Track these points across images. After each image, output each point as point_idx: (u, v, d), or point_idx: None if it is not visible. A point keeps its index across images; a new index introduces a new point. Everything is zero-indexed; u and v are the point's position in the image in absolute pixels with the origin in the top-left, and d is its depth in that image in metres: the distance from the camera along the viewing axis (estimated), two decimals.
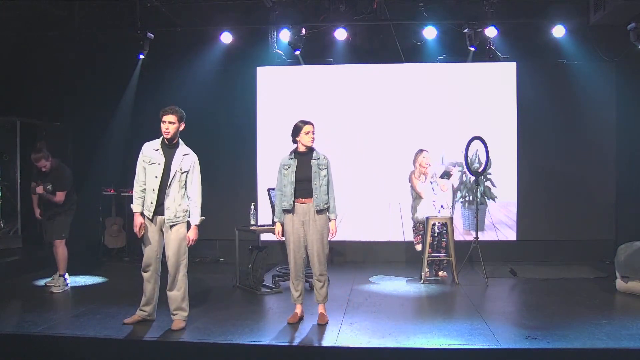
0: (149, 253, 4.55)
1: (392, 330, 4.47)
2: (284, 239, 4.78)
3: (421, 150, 6.59)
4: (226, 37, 7.44)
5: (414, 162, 6.57)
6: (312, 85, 8.04)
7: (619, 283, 5.71)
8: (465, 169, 7.41)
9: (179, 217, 4.52)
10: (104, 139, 8.00)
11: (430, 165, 6.54)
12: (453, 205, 7.00)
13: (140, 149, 4.60)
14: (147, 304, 4.62)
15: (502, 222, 7.88)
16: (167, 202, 4.49)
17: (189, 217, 4.57)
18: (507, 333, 4.39)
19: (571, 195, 7.76)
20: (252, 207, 6.32)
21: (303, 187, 4.63)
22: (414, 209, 6.62)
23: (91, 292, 5.97)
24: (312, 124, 4.69)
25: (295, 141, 4.73)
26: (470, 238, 7.12)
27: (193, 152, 4.63)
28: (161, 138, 4.55)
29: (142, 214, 4.53)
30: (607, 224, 7.72)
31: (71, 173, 6.08)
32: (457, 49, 7.54)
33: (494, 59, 7.36)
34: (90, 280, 6.52)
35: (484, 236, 7.49)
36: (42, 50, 7.68)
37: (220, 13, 7.40)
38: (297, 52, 7.41)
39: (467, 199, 7.88)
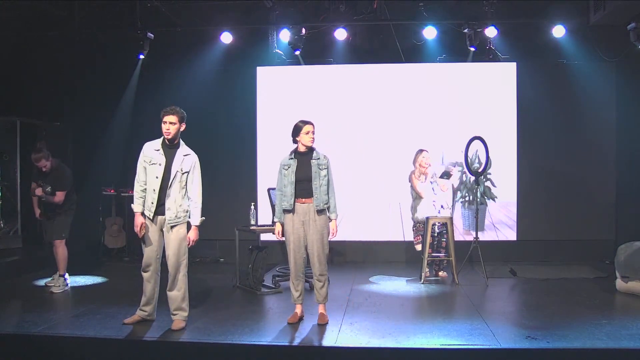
0: (149, 253, 4.55)
1: (392, 330, 4.47)
2: (284, 239, 4.78)
3: (421, 150, 6.59)
4: (226, 37, 7.44)
5: (414, 162, 6.57)
6: (312, 85, 8.04)
7: (619, 283, 5.71)
8: (465, 169, 7.41)
9: (179, 218, 4.53)
10: (104, 139, 8.00)
11: (430, 165, 6.54)
12: (453, 205, 7.00)
13: (140, 149, 4.60)
14: (147, 304, 4.62)
15: (502, 222, 7.88)
16: (168, 203, 4.49)
17: (189, 217, 4.57)
18: (507, 333, 4.39)
19: (571, 195, 7.76)
20: (252, 207, 6.32)
21: (303, 187, 4.63)
22: (414, 209, 6.62)
23: (91, 292, 5.97)
24: (312, 124, 4.69)
25: (295, 141, 4.73)
26: (470, 238, 7.12)
27: (194, 153, 4.63)
28: (162, 138, 4.55)
29: (142, 213, 4.54)
30: (607, 224, 7.72)
31: (71, 173, 6.08)
32: (457, 49, 7.54)
33: (494, 59, 7.36)
34: (90, 280, 6.52)
35: (484, 236, 7.49)
36: (42, 50, 7.68)
37: (220, 13, 7.40)
38: (297, 52, 7.41)
39: (467, 199, 7.88)
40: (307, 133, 4.66)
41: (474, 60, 7.54)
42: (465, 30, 7.09)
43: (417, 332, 4.41)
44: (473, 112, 7.82)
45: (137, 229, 4.52)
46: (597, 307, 5.16)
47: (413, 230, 6.74)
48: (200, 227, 4.60)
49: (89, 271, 6.87)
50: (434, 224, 6.45)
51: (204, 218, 4.62)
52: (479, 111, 7.82)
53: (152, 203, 4.49)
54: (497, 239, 7.80)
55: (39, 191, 5.91)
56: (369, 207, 7.94)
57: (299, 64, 7.77)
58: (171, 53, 7.97)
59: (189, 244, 4.58)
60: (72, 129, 8.27)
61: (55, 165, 5.97)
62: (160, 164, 4.49)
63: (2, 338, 4.32)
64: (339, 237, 4.98)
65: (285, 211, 4.69)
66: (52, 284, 5.95)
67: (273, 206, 5.70)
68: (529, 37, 7.53)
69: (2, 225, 7.63)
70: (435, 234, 6.50)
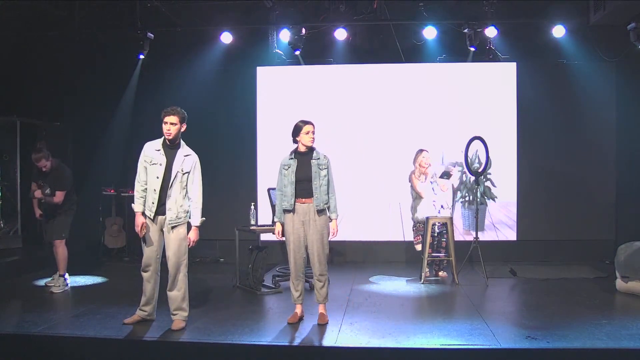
0: (149, 253, 4.55)
1: (392, 330, 4.47)
2: (284, 239, 4.78)
3: (421, 150, 6.59)
4: (226, 37, 7.44)
5: (414, 162, 6.57)
6: (312, 85, 8.04)
7: (619, 283, 5.71)
8: (465, 169, 7.41)
9: (180, 218, 4.52)
10: (104, 139, 8.00)
11: (430, 165, 6.54)
12: (453, 205, 7.01)
13: (140, 149, 4.60)
14: (147, 303, 4.62)
15: (502, 222, 7.88)
16: (169, 203, 4.48)
17: (189, 217, 4.57)
18: (507, 333, 4.39)
19: (571, 195, 7.76)
20: (252, 207, 6.32)
21: (303, 187, 4.63)
22: (414, 209, 6.62)
23: (91, 292, 5.96)
24: (312, 123, 4.69)
25: (295, 141, 4.73)
26: (470, 238, 7.12)
27: (194, 153, 4.62)
28: (162, 138, 4.55)
29: (143, 213, 4.54)
30: (607, 224, 7.72)
31: (71, 173, 6.08)
32: (457, 49, 7.54)
33: (494, 59, 7.36)
34: (90, 280, 6.52)
35: (484, 236, 7.49)
36: (42, 50, 7.68)
37: (220, 13, 7.40)
38: (297, 52, 7.41)
39: (467, 199, 7.88)
40: (307, 133, 4.66)
41: (474, 60, 7.54)
42: (465, 30, 7.09)
43: (417, 332, 4.41)
44: (473, 112, 7.82)
45: (137, 228, 4.52)
46: (597, 307, 5.16)
47: (413, 230, 6.74)
48: (200, 227, 4.60)
49: (89, 271, 6.87)
50: (434, 224, 6.45)
51: (204, 219, 4.62)
52: (479, 111, 7.82)
53: (153, 203, 4.49)
54: (497, 239, 7.80)
55: (38, 193, 5.91)
56: (369, 207, 7.94)
57: (299, 64, 7.77)
58: (171, 53, 7.97)
59: (189, 245, 4.57)
60: (72, 129, 8.27)
61: (55, 165, 5.97)
62: (161, 164, 4.49)
63: (2, 338, 4.32)
64: (339, 237, 4.97)
65: (286, 211, 4.69)
66: (52, 284, 5.95)
67: (273, 206, 5.70)
68: (529, 37, 7.53)
69: (2, 225, 7.63)
70: (435, 234, 6.50)
